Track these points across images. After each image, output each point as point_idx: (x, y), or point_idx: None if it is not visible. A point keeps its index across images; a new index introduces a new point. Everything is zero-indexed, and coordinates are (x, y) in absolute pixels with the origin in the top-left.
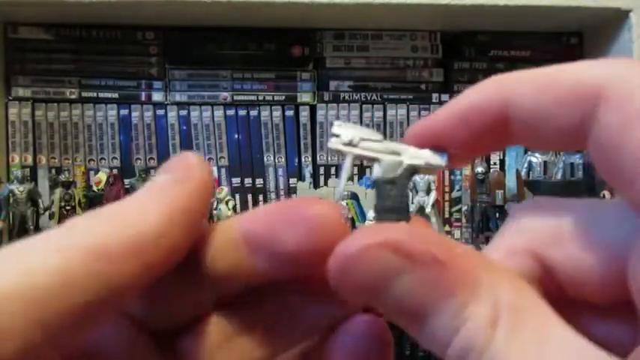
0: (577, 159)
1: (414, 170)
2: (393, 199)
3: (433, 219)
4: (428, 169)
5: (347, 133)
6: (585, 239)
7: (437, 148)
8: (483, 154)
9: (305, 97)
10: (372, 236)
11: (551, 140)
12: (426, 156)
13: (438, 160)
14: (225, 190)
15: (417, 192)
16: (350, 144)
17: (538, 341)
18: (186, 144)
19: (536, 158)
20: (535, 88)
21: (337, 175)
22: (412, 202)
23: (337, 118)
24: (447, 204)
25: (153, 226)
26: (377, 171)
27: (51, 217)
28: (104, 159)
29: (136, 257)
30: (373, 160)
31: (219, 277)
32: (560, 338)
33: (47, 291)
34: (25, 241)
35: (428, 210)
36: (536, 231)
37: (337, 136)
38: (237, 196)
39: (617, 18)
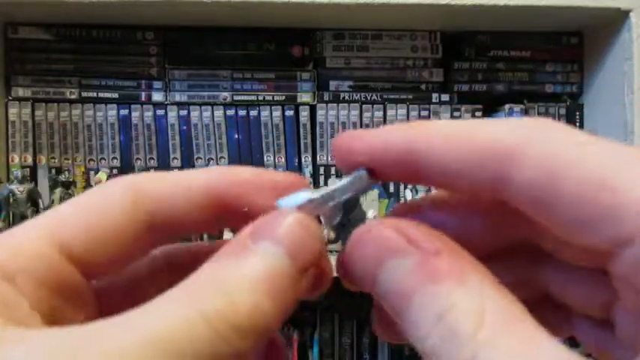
0: None
1: (353, 202)
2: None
3: None
4: (362, 192)
5: (284, 208)
6: None
7: (364, 168)
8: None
9: (305, 97)
10: (385, 220)
11: (460, 190)
12: (350, 185)
13: (362, 182)
14: None
15: (416, 192)
16: None
17: (525, 343)
18: (187, 144)
19: None
20: (446, 144)
21: (337, 175)
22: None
23: (337, 118)
24: None
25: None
26: (325, 222)
27: None
28: (104, 159)
29: None
30: (317, 217)
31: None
32: (547, 345)
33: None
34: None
35: None
36: None
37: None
38: None
39: (617, 18)
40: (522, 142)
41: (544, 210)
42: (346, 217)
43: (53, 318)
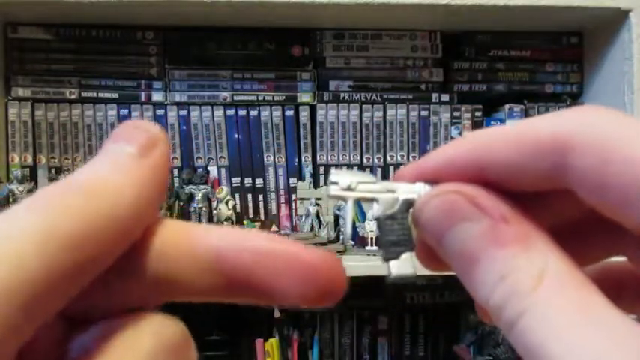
0: None
1: (410, 204)
2: (395, 233)
3: None
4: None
5: (344, 180)
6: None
7: (427, 182)
8: None
9: (305, 97)
10: (454, 186)
11: (525, 187)
12: (418, 189)
13: (424, 189)
14: (225, 190)
15: None
16: (349, 189)
17: (580, 304)
18: (186, 144)
19: None
20: (508, 143)
21: None
22: None
23: (337, 117)
24: None
25: (130, 205)
26: (377, 209)
27: None
28: None
29: (113, 241)
30: (372, 200)
31: (167, 281)
32: (602, 308)
33: (32, 283)
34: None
35: None
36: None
37: (335, 183)
38: (237, 196)
39: (617, 18)
40: (575, 130)
41: (597, 194)
42: (401, 214)
43: None
